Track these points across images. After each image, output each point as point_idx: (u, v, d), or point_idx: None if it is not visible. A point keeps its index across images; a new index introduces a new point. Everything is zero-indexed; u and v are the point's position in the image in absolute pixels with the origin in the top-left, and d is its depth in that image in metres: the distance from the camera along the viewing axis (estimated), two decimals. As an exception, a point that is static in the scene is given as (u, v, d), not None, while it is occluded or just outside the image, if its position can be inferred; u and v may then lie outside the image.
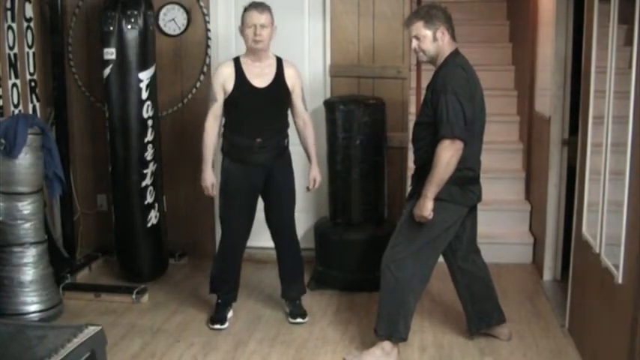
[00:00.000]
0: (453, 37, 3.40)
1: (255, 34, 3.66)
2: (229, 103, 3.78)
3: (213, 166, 3.85)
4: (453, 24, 3.41)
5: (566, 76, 4.33)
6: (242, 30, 3.72)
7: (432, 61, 3.42)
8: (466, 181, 3.39)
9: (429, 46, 3.35)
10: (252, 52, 3.74)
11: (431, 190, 3.25)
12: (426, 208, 3.27)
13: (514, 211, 5.21)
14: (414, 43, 3.38)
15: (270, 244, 4.06)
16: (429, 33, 3.33)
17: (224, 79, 3.75)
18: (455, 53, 3.38)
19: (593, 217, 3.31)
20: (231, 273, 3.97)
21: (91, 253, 4.97)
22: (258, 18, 3.64)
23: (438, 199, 3.29)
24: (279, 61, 3.83)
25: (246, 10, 3.71)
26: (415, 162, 3.51)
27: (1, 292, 3.86)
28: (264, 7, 3.69)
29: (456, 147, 3.21)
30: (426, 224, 3.34)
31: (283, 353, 3.64)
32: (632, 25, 2.75)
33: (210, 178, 3.84)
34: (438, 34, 3.32)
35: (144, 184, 4.43)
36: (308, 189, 4.00)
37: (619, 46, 3.07)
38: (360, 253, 4.39)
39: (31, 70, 4.57)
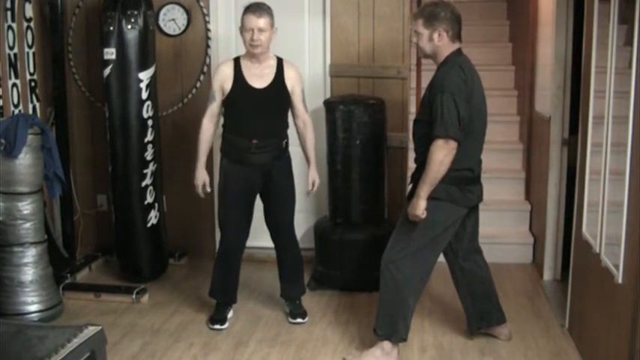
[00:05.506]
0: (458, 37, 3.40)
1: (252, 39, 3.63)
2: (227, 103, 3.78)
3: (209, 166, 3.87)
4: (462, 24, 3.42)
5: (566, 76, 4.33)
6: (241, 31, 3.70)
7: (430, 58, 3.45)
8: (465, 181, 3.39)
9: (424, 44, 3.40)
10: (251, 54, 3.74)
11: (424, 190, 3.25)
12: (419, 207, 3.27)
13: (514, 211, 5.21)
14: (414, 38, 3.45)
15: (270, 244, 4.05)
16: (425, 32, 3.36)
17: (223, 79, 3.75)
18: (457, 53, 3.39)
19: (593, 217, 3.31)
20: (231, 277, 3.96)
21: (91, 253, 4.97)
22: (256, 22, 3.60)
23: (436, 199, 3.29)
24: (279, 61, 3.81)
25: (245, 11, 3.66)
26: (415, 160, 3.51)
27: (1, 292, 3.86)
28: (262, 11, 3.63)
29: (450, 147, 3.21)
30: (424, 224, 3.33)
31: (283, 353, 3.64)
32: (632, 25, 2.75)
33: (202, 177, 3.84)
34: (434, 35, 3.34)
35: (144, 184, 4.43)
36: (308, 193, 3.98)
37: (619, 46, 3.07)
38: (360, 253, 4.38)
39: (31, 70, 4.57)
